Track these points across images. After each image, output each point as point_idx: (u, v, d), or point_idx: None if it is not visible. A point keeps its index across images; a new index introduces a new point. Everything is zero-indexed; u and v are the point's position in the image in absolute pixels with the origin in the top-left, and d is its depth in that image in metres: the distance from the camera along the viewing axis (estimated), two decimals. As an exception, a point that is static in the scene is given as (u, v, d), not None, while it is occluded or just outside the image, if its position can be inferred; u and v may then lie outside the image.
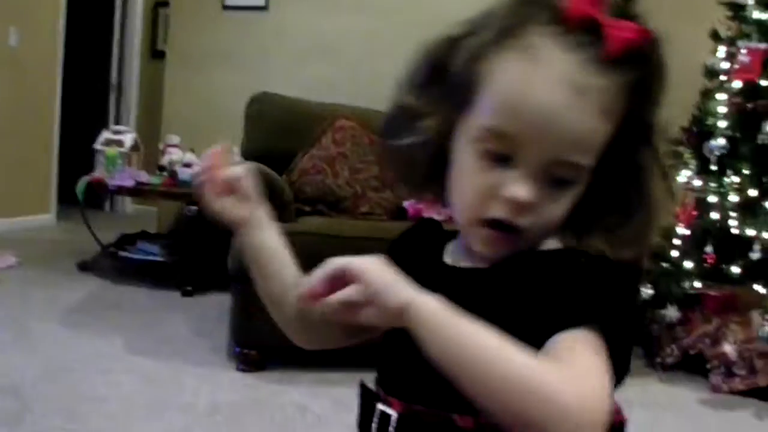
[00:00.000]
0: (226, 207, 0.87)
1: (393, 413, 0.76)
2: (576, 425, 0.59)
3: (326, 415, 2.29)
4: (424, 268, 0.78)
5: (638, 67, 0.70)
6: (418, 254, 0.84)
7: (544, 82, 0.67)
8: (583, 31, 0.68)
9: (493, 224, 0.72)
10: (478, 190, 0.72)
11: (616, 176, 0.73)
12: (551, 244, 0.75)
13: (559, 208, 0.72)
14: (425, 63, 0.78)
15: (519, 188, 0.70)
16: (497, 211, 0.71)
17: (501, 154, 0.70)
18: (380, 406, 0.78)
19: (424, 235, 0.87)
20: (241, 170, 0.87)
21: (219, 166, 0.87)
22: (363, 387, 0.83)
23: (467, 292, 0.74)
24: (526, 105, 0.68)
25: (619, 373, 0.68)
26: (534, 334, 0.67)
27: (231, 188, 0.87)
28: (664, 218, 0.77)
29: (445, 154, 0.76)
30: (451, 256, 0.82)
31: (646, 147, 0.74)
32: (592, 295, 0.68)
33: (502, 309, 0.70)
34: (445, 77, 0.75)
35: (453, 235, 0.83)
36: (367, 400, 0.81)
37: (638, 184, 0.74)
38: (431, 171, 0.78)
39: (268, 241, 0.89)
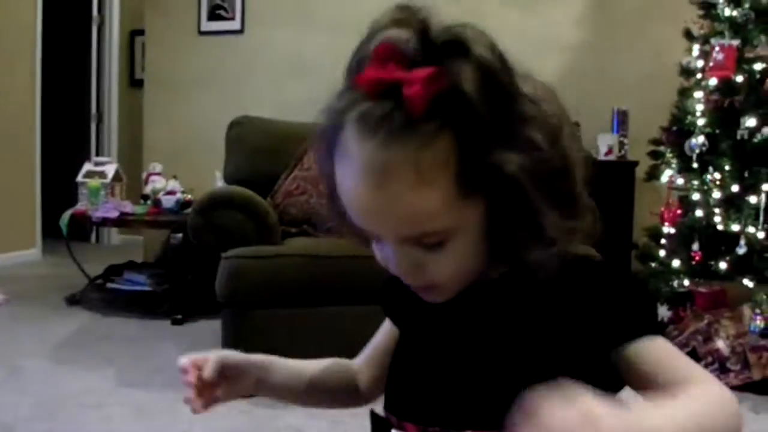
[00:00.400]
0: (230, 394, 0.94)
1: None
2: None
3: (323, 437, 2.28)
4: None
5: (456, 106, 0.64)
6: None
7: (355, 179, 0.67)
8: (385, 100, 0.65)
9: None
10: (380, 258, 0.74)
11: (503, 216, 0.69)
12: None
13: (448, 262, 0.71)
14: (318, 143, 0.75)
15: (393, 266, 0.72)
16: (400, 276, 0.74)
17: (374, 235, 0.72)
18: None
19: None
20: (207, 362, 0.92)
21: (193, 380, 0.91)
22: (374, 415, 0.83)
23: (470, 315, 0.76)
24: (353, 206, 0.69)
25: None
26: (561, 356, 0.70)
27: (217, 383, 0.92)
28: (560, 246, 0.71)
29: None
30: None
31: (508, 190, 0.67)
32: (631, 305, 0.72)
33: (518, 331, 0.72)
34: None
35: None
36: (378, 428, 0.82)
37: (515, 216, 0.69)
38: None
39: (277, 381, 0.97)
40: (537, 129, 0.67)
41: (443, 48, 0.65)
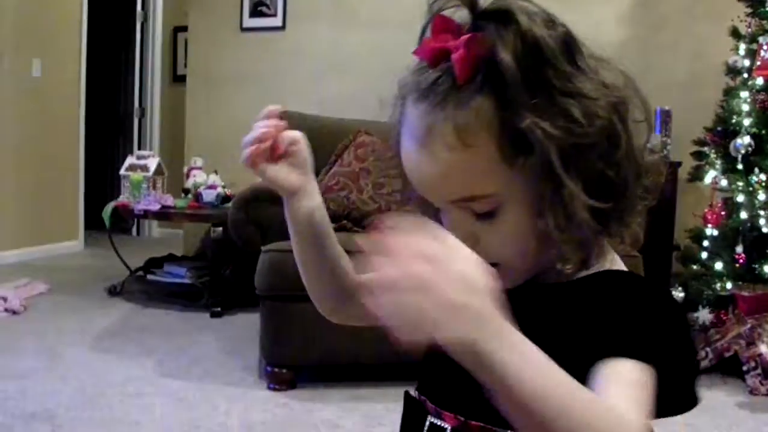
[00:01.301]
0: (280, 174, 0.83)
1: (446, 426, 0.76)
2: None
3: (358, 431, 2.28)
4: None
5: (499, 74, 0.66)
6: None
7: (405, 143, 0.72)
8: (439, 67, 0.69)
9: None
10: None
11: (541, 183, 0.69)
12: (612, 263, 0.76)
13: (499, 238, 0.71)
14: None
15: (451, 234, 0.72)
16: None
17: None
18: (431, 419, 0.78)
19: None
20: (297, 134, 0.85)
21: (275, 130, 0.83)
22: (408, 397, 0.83)
23: (524, 309, 0.75)
24: (407, 172, 0.74)
25: (677, 403, 0.69)
26: (576, 358, 0.67)
27: (285, 153, 0.84)
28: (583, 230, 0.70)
29: None
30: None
31: (537, 155, 0.67)
32: (643, 326, 0.67)
33: (552, 327, 0.71)
34: None
35: None
36: (414, 411, 0.81)
37: (545, 187, 0.68)
38: None
39: (316, 212, 0.87)
40: (579, 105, 0.67)
41: (488, 16, 0.68)
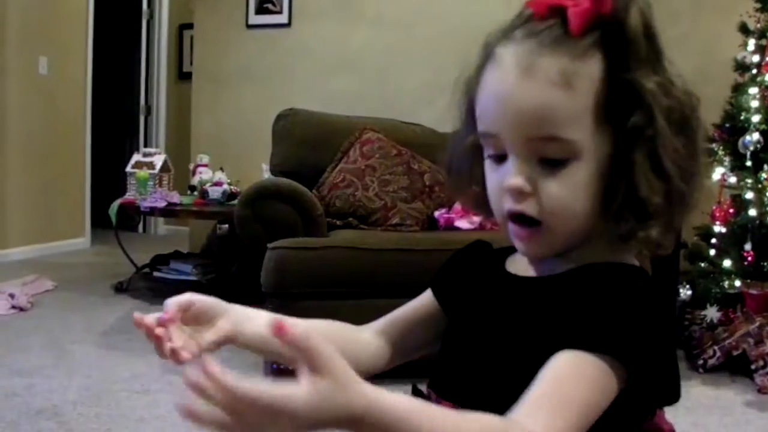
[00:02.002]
0: (211, 339, 0.84)
1: None
2: None
3: (365, 429, 2.27)
4: (489, 278, 0.85)
5: (608, 31, 0.72)
6: (478, 267, 0.88)
7: (499, 76, 0.74)
8: (550, 19, 0.73)
9: (513, 217, 0.76)
10: (493, 190, 0.78)
11: (626, 146, 0.72)
12: (607, 255, 0.77)
13: (561, 189, 0.73)
14: (461, 99, 0.84)
15: (510, 176, 0.74)
16: (507, 204, 0.75)
17: (498, 155, 0.77)
18: None
19: (478, 253, 0.92)
20: (182, 299, 0.84)
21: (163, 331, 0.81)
22: (415, 390, 0.85)
23: (522, 299, 0.78)
24: (489, 102, 0.75)
25: (655, 397, 0.72)
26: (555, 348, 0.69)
27: (194, 319, 0.84)
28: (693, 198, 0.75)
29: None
30: (513, 265, 0.85)
31: (643, 111, 0.71)
32: (610, 320, 0.68)
33: (544, 318, 0.73)
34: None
35: (508, 251, 0.87)
36: None
37: (651, 151, 0.72)
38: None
39: (252, 331, 0.88)
40: (675, 73, 0.75)
41: None
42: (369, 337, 0.94)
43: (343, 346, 0.87)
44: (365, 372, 0.93)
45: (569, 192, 0.73)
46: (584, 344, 0.66)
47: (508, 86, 0.73)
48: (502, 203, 0.76)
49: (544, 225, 0.74)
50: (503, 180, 0.75)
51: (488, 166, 0.79)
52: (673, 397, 0.72)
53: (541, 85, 0.71)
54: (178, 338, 0.80)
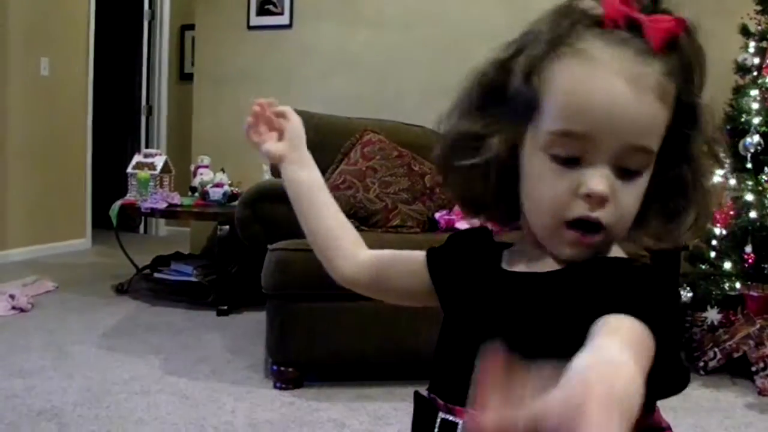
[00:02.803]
0: (267, 143, 1.00)
1: (458, 421, 0.77)
2: None
3: (365, 431, 2.27)
4: (483, 273, 0.83)
5: (679, 54, 0.74)
6: (475, 260, 0.86)
7: (603, 77, 0.72)
8: (624, 30, 0.73)
9: (577, 224, 0.75)
10: (556, 194, 0.75)
11: (673, 162, 0.77)
12: (613, 251, 0.80)
13: (632, 198, 0.75)
14: (479, 88, 0.81)
15: (596, 182, 0.73)
16: (579, 210, 0.74)
17: (570, 157, 0.74)
18: (442, 415, 0.78)
19: (477, 242, 0.89)
20: (286, 108, 1.00)
21: (263, 108, 1.00)
22: (418, 396, 0.84)
23: (530, 296, 0.77)
24: (590, 102, 0.72)
25: (671, 380, 0.70)
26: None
27: (278, 127, 1.00)
28: (714, 204, 0.81)
29: (512, 170, 0.80)
30: (509, 264, 0.84)
31: (696, 132, 0.77)
32: (645, 297, 0.69)
33: (562, 313, 0.72)
34: (504, 97, 0.79)
35: (503, 246, 0.87)
36: (424, 410, 0.82)
37: (693, 169, 0.78)
38: (500, 188, 0.81)
39: (307, 178, 0.99)
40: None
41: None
42: (365, 255, 0.99)
43: (348, 248, 0.98)
44: (340, 277, 0.99)
45: (637, 201, 0.76)
46: (627, 310, 0.66)
47: (618, 95, 0.72)
48: (566, 210, 0.75)
49: (607, 231, 0.75)
50: (579, 185, 0.73)
51: (548, 168, 0.75)
52: (684, 381, 0.73)
53: (650, 96, 0.72)
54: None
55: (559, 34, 0.75)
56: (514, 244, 0.86)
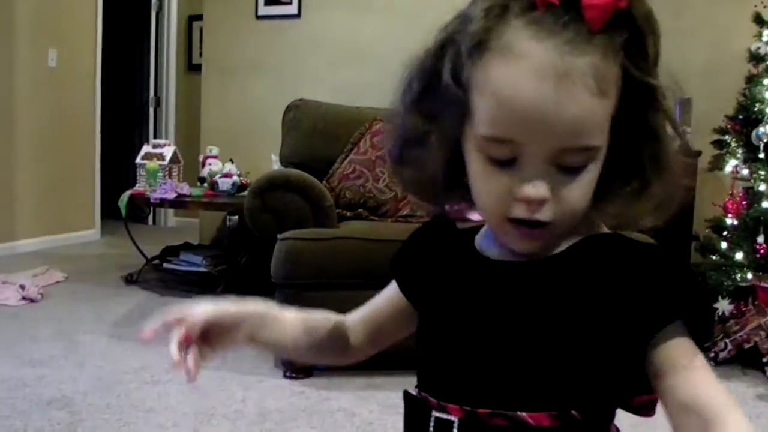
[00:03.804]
0: (229, 346, 0.93)
1: (453, 419, 0.74)
2: None
3: (375, 420, 2.27)
4: (460, 263, 0.79)
5: (623, 29, 0.66)
6: (446, 250, 0.82)
7: (528, 78, 0.65)
8: (560, 11, 0.65)
9: (519, 222, 0.70)
10: (494, 195, 0.71)
11: (629, 143, 0.71)
12: (587, 229, 0.75)
13: (579, 192, 0.70)
14: (416, 79, 0.77)
15: (529, 188, 0.68)
16: (517, 212, 0.70)
17: (505, 159, 0.69)
18: (436, 414, 0.75)
19: (442, 233, 0.85)
20: (194, 322, 0.90)
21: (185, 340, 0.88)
22: (407, 396, 0.80)
23: (524, 286, 0.73)
24: (515, 107, 0.65)
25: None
26: (602, 328, 0.68)
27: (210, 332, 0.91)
28: (684, 180, 0.75)
29: (459, 158, 0.75)
30: (488, 252, 0.79)
31: (652, 108, 0.70)
32: (675, 287, 0.69)
33: (564, 301, 0.70)
34: (438, 90, 0.73)
35: (471, 231, 0.82)
36: (416, 410, 0.78)
37: (652, 147, 0.71)
38: (450, 179, 0.77)
39: (267, 337, 0.95)
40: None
41: None
42: (357, 324, 0.97)
43: (344, 332, 0.96)
44: (354, 358, 0.99)
45: (584, 193, 0.70)
46: (666, 317, 0.68)
47: (543, 93, 0.64)
48: (505, 210, 0.70)
49: (552, 225, 0.70)
50: (514, 188, 0.69)
51: (484, 168, 0.71)
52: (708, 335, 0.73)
53: (580, 94, 0.64)
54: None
55: (486, 26, 0.67)
56: (480, 229, 0.82)
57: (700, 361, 0.68)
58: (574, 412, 0.69)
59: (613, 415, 0.74)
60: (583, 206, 0.71)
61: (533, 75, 0.64)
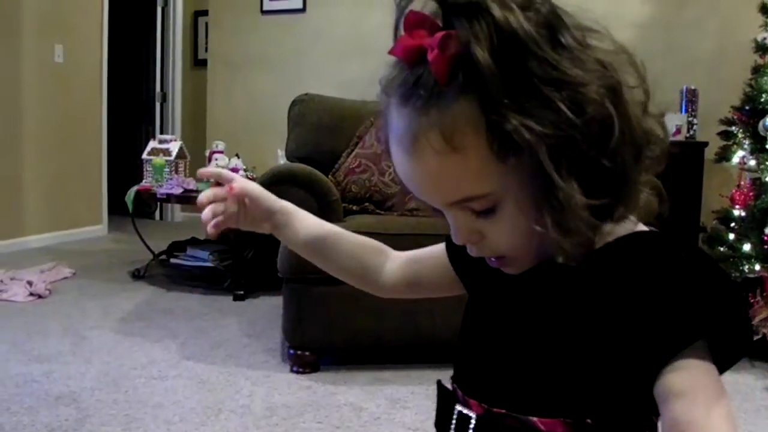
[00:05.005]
0: (248, 227, 0.98)
1: (472, 415, 0.75)
2: None
3: (382, 415, 2.27)
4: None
5: (478, 75, 0.61)
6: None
7: (395, 147, 0.68)
8: (418, 66, 0.63)
9: None
10: (451, 232, 0.74)
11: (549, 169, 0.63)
12: (626, 227, 0.70)
13: (503, 231, 0.68)
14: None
15: (453, 233, 0.71)
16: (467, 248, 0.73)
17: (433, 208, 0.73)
18: (459, 408, 0.77)
19: None
20: (245, 189, 0.97)
21: (223, 197, 0.98)
22: (440, 386, 0.82)
23: (546, 289, 0.73)
24: (400, 176, 0.69)
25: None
26: (601, 337, 0.67)
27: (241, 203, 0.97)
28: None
29: None
30: None
31: (530, 153, 0.62)
32: (698, 305, 0.64)
33: (582, 311, 0.69)
34: None
35: None
36: (445, 400, 0.80)
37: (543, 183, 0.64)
38: None
39: (301, 237, 0.99)
40: (566, 95, 0.61)
41: (460, 10, 0.61)
42: (401, 260, 0.98)
43: (381, 260, 0.98)
44: (381, 289, 0.99)
45: (510, 230, 0.68)
46: (676, 344, 0.64)
47: (403, 165, 0.67)
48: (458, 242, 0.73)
49: (507, 256, 0.71)
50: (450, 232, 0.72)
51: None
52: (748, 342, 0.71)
53: (429, 159, 0.64)
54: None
55: (384, 91, 0.68)
56: None
57: (702, 390, 0.65)
58: (588, 420, 0.68)
59: (647, 423, 0.71)
60: (519, 239, 0.69)
61: (396, 145, 0.67)
